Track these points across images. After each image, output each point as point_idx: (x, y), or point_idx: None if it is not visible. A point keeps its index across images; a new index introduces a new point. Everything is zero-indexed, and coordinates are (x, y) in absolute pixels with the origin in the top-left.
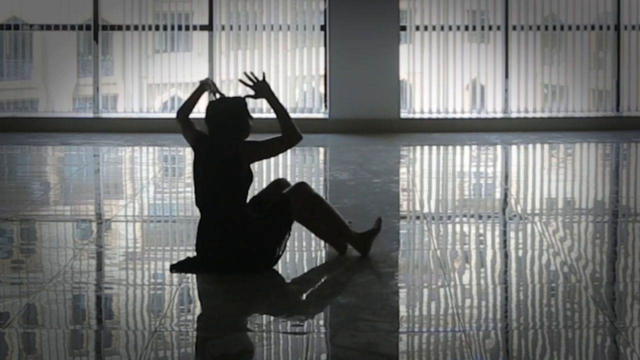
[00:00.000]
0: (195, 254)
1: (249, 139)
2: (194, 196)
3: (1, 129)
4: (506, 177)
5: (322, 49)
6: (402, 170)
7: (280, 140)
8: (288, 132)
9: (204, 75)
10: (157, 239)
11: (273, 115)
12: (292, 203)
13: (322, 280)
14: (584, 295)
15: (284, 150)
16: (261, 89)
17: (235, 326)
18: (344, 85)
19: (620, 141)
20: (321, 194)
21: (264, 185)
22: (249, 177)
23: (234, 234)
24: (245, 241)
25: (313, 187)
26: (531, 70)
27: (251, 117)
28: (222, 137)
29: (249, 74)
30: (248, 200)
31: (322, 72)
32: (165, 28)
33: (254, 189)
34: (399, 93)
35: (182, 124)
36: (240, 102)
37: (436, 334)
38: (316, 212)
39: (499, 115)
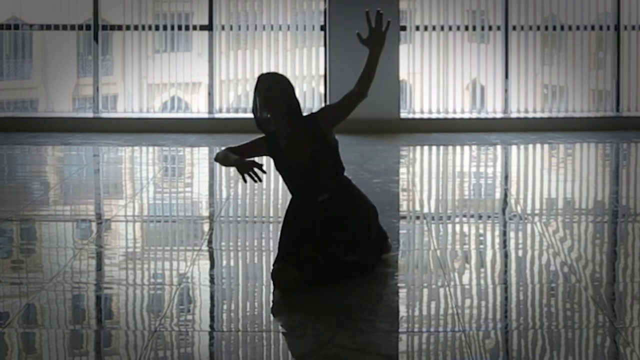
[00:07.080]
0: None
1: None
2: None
3: (1, 129)
4: (506, 177)
5: (322, 49)
6: (402, 170)
7: (352, 95)
8: (365, 88)
9: (204, 76)
10: (157, 239)
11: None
12: None
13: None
14: (584, 296)
15: (354, 106)
16: (381, 41)
17: (235, 326)
18: (344, 85)
19: (620, 141)
20: None
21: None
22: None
23: None
24: None
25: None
26: (531, 71)
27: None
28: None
29: (383, 19)
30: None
31: (322, 72)
32: (165, 28)
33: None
34: (399, 93)
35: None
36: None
37: (436, 334)
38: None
39: (499, 115)
